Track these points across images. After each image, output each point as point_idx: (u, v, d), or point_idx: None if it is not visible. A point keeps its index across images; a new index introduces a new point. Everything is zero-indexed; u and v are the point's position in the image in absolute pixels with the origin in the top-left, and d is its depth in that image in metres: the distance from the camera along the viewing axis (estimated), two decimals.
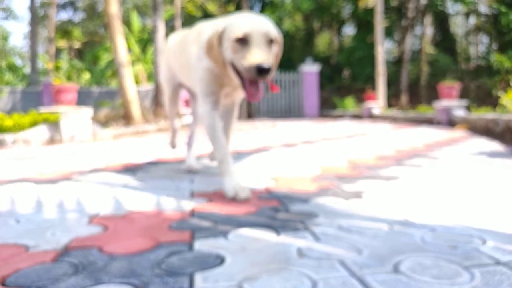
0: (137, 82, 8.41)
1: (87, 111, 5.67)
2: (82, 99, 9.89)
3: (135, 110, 8.25)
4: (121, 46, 7.75)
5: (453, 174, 2.27)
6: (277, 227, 1.34)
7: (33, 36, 14.74)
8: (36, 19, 15.47)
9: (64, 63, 14.50)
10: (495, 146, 3.84)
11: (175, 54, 2.33)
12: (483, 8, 16.52)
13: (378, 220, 1.39)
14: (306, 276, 0.94)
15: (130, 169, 2.72)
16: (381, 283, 0.90)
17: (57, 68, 13.25)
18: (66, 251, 1.15)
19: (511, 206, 1.53)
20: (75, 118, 5.42)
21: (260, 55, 1.57)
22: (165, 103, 2.79)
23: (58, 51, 19.35)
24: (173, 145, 2.73)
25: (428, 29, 18.11)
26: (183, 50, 2.15)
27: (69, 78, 13.19)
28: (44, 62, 17.16)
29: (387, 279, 0.92)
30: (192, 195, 1.87)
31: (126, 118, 8.45)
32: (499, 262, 1.00)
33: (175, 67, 2.37)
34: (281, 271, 0.98)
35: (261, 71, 1.54)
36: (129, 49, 12.92)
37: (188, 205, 1.68)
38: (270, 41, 1.65)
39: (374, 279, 0.92)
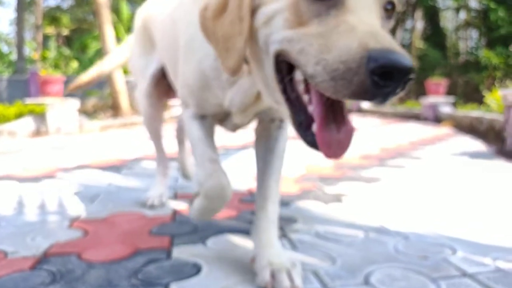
0: (126, 72, 8.33)
1: (74, 103, 5.62)
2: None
3: (123, 101, 8.20)
4: (110, 36, 7.66)
5: (433, 177, 2.32)
6: None
7: (19, 22, 14.47)
8: (23, 4, 15.18)
9: (51, 51, 14.28)
10: (478, 145, 3.91)
11: (162, 24, 1.32)
12: (474, 3, 16.62)
13: (355, 227, 1.42)
14: None
15: (115, 166, 2.72)
16: None
17: (44, 58, 13.06)
18: (45, 257, 1.17)
19: (484, 214, 1.58)
20: (62, 109, 5.37)
21: (382, 33, 0.66)
22: (140, 111, 1.70)
23: (46, 38, 19.02)
24: (163, 174, 1.81)
25: (418, 23, 18.18)
26: (173, 22, 1.17)
27: (56, 66, 13.02)
28: (31, 49, 16.87)
29: None
30: (175, 196, 1.89)
31: (114, 108, 8.39)
32: (466, 273, 1.04)
33: (161, 46, 1.38)
34: (255, 283, 1.00)
35: (390, 74, 0.62)
36: (118, 38, 12.76)
37: (170, 207, 1.69)
38: (389, 4, 0.75)
39: None
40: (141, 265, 1.11)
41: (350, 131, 0.75)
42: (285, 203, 1.74)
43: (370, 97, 0.63)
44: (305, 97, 0.75)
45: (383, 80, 0.61)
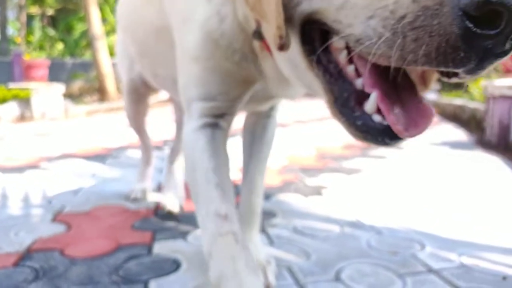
0: (112, 54, 8.22)
1: (59, 88, 5.56)
2: (55, 71, 9.63)
3: (110, 84, 8.11)
4: (96, 18, 7.53)
5: (412, 169, 2.38)
6: None
7: (2, 1, 14.08)
8: None
9: (36, 31, 13.97)
10: (460, 135, 3.99)
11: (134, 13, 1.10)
12: None
13: (332, 221, 1.48)
14: None
15: (100, 156, 2.74)
16: None
17: (28, 42, 12.80)
18: (28, 253, 1.20)
19: (456, 207, 1.65)
20: (47, 94, 5.31)
21: None
22: (125, 109, 1.63)
23: (30, 18, 18.57)
24: (142, 177, 1.79)
25: None
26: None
27: (41, 48, 12.76)
28: (14, 29, 16.47)
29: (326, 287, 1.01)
30: (159, 188, 1.92)
31: (100, 92, 8.30)
32: (431, 269, 1.10)
33: (132, 41, 1.18)
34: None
35: (494, 15, 0.40)
36: (105, 19, 12.53)
37: (154, 200, 1.72)
38: None
39: None
40: (122, 261, 1.14)
41: (427, 111, 0.54)
42: (266, 196, 1.78)
43: (458, 60, 0.41)
44: (350, 68, 0.56)
45: (481, 26, 0.39)
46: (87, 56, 14.28)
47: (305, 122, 5.21)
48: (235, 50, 0.74)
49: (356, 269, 1.10)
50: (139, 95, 1.53)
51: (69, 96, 7.87)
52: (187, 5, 0.78)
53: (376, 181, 2.08)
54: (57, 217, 1.51)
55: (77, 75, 11.52)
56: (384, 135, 0.54)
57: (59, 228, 1.40)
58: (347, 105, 0.57)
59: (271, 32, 0.59)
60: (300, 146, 3.19)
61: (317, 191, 1.88)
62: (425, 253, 1.21)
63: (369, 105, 0.54)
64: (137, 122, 1.67)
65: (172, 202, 1.56)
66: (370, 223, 1.45)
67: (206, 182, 0.75)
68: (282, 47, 0.58)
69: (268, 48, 0.70)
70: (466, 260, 1.15)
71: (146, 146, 1.80)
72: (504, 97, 3.28)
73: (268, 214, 1.55)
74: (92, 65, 9.38)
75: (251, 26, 0.71)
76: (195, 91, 0.79)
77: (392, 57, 0.45)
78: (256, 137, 1.10)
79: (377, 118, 0.54)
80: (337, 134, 3.86)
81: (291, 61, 0.64)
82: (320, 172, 2.27)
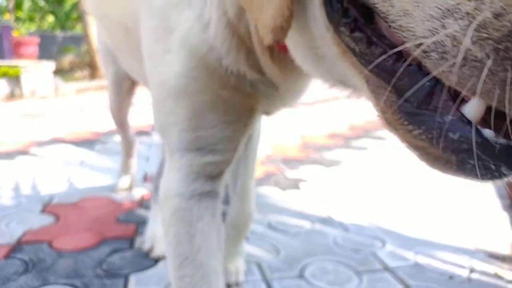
0: None
1: (49, 65, 5.55)
2: (46, 44, 9.51)
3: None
4: None
5: (390, 162, 2.49)
6: None
7: None
8: None
9: (25, 2, 13.68)
10: None
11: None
12: None
13: (304, 217, 1.58)
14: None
15: (89, 141, 2.81)
16: (283, 287, 1.10)
17: (17, 18, 12.55)
18: (18, 245, 1.29)
19: (422, 205, 1.76)
20: (36, 72, 5.30)
21: None
22: (109, 102, 1.58)
23: None
24: (124, 170, 1.80)
25: None
26: None
27: (31, 19, 12.53)
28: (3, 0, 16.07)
29: (290, 284, 1.12)
30: (145, 178, 2.01)
31: (91, 67, 8.26)
32: (387, 267, 1.22)
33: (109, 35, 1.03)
34: None
35: None
36: None
37: (139, 191, 1.81)
38: None
39: (280, 284, 1.11)
40: (106, 255, 1.24)
41: None
42: None
43: None
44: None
45: None
46: (78, 29, 14.05)
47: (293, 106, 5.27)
48: (227, 67, 0.54)
49: (319, 266, 1.21)
50: (124, 87, 1.44)
51: (60, 70, 7.84)
52: (162, 11, 0.57)
53: (353, 175, 2.18)
54: (46, 208, 1.59)
55: (68, 48, 11.39)
56: (501, 160, 0.31)
57: (48, 220, 1.49)
58: (424, 105, 0.33)
59: (267, 15, 0.40)
60: (286, 133, 3.28)
61: (295, 184, 1.98)
62: (385, 251, 1.32)
63: (471, 108, 0.32)
64: (121, 116, 1.62)
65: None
66: (340, 220, 1.56)
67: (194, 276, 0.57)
68: (280, 35, 0.40)
69: (281, 47, 0.51)
70: (421, 259, 1.27)
71: (127, 139, 1.77)
72: None
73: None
74: (83, 38, 9.26)
75: (247, 23, 0.52)
76: (181, 138, 0.57)
77: (487, 95, 0.27)
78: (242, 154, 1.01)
79: (487, 131, 0.31)
80: (323, 122, 3.96)
81: (313, 50, 0.45)
82: (301, 163, 2.37)
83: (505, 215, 1.63)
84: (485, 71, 0.27)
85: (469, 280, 1.16)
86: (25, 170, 2.09)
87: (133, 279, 1.11)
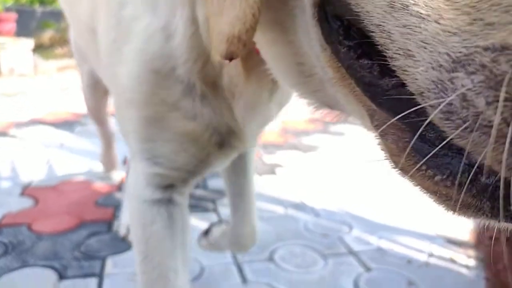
0: None
1: (28, 42, 5.43)
2: (24, 20, 9.24)
3: None
4: None
5: (366, 148, 2.57)
6: (191, 206, 1.56)
7: None
8: None
9: None
10: None
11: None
12: None
13: (278, 202, 1.65)
14: (198, 262, 1.19)
15: (68, 122, 2.81)
16: (253, 271, 1.17)
17: None
18: None
19: (391, 192, 1.85)
20: (15, 49, 5.20)
21: None
22: (85, 100, 1.57)
23: None
24: (107, 163, 1.80)
25: None
26: None
27: None
28: None
29: (260, 267, 1.19)
30: (125, 161, 2.04)
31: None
32: (351, 251, 1.30)
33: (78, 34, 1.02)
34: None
35: None
36: None
37: (118, 174, 1.85)
38: None
39: (250, 267, 1.18)
40: (84, 238, 1.29)
41: None
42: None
43: None
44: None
45: None
46: (58, 4, 13.64)
47: None
48: (178, 76, 0.52)
49: (289, 250, 1.29)
50: (99, 89, 1.39)
51: (39, 47, 7.65)
52: (120, 15, 0.54)
53: (328, 160, 2.26)
54: (25, 191, 1.62)
55: (48, 24, 11.09)
56: None
57: (27, 203, 1.52)
58: (446, 146, 0.27)
59: (225, 20, 0.35)
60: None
61: (272, 170, 2.05)
62: (351, 236, 1.40)
63: None
64: (98, 114, 1.57)
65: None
66: (312, 205, 1.64)
67: (165, 286, 0.61)
68: (236, 48, 0.35)
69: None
70: (384, 244, 1.35)
71: (107, 133, 1.70)
72: None
73: (222, 193, 1.71)
74: (63, 14, 9.03)
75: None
76: (136, 146, 0.59)
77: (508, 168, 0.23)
78: (240, 172, 0.96)
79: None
80: (304, 105, 4.01)
81: (299, 66, 0.40)
82: (279, 148, 2.44)
83: None
84: (507, 143, 0.21)
85: (427, 264, 1.25)
86: (4, 152, 2.10)
87: (110, 262, 1.17)
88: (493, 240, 1.35)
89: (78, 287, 1.06)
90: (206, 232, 1.08)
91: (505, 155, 0.22)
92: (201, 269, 1.16)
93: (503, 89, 0.21)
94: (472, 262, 1.28)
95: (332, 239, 1.37)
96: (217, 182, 1.83)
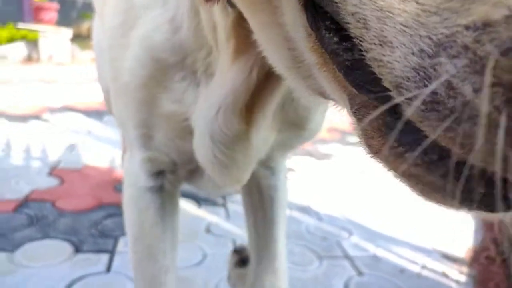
0: None
1: (67, 32, 5.69)
2: (65, 10, 9.64)
3: None
4: None
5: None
6: (201, 200, 1.66)
7: None
8: None
9: None
10: None
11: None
12: None
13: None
14: (201, 250, 1.29)
15: (98, 111, 2.97)
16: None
17: None
18: (26, 202, 1.46)
19: (395, 202, 1.90)
20: (54, 38, 5.46)
21: None
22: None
23: None
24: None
25: None
26: None
27: None
28: None
29: None
30: None
31: None
32: (347, 256, 1.36)
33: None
34: (185, 243, 1.31)
35: None
36: None
37: None
38: None
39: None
40: (101, 218, 1.41)
41: None
42: None
43: None
44: None
45: None
46: None
47: None
48: (185, 66, 0.53)
49: (288, 248, 1.35)
50: None
51: (78, 37, 7.98)
52: (132, 2, 0.55)
53: (340, 169, 2.32)
54: (52, 171, 1.76)
55: (87, 15, 11.51)
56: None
57: (53, 182, 1.66)
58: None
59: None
60: None
61: None
62: (349, 241, 1.47)
63: None
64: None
65: None
66: (316, 209, 1.71)
67: (153, 265, 0.67)
68: None
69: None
70: (380, 252, 1.41)
71: None
72: None
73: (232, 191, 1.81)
74: None
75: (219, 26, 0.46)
76: (132, 131, 0.59)
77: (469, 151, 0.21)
78: (265, 206, 0.80)
79: None
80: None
81: (291, 51, 0.38)
82: (293, 154, 2.51)
83: (470, 221, 1.76)
84: (501, 134, 0.19)
85: (418, 275, 1.31)
86: (37, 134, 2.26)
87: (122, 241, 1.28)
88: (488, 260, 1.39)
89: (91, 260, 1.17)
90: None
91: (500, 147, 0.19)
92: (204, 256, 1.25)
93: (488, 72, 0.19)
94: (463, 278, 1.33)
95: (331, 242, 1.44)
96: None
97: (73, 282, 1.08)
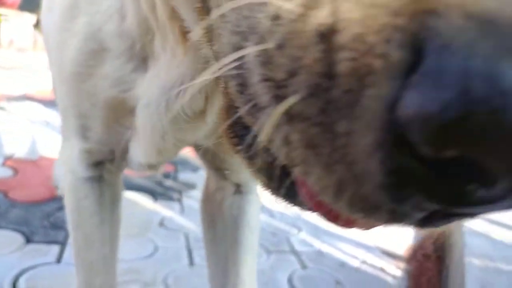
0: None
1: (30, 18, 5.51)
2: None
3: None
4: None
5: None
6: (158, 194, 1.70)
7: None
8: None
9: None
10: None
11: None
12: None
13: None
14: (153, 243, 1.33)
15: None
16: (201, 256, 1.30)
17: None
18: None
19: None
20: (16, 23, 5.28)
21: None
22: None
23: None
24: None
25: None
26: None
27: None
28: None
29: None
30: None
31: None
32: (293, 250, 1.44)
33: None
34: (138, 237, 1.35)
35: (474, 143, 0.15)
36: None
37: None
38: None
39: (197, 253, 1.32)
40: (54, 210, 1.42)
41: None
42: (195, 168, 2.07)
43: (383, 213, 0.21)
44: None
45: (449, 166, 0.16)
46: None
47: None
48: (133, 52, 0.51)
49: None
50: None
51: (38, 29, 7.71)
52: None
53: None
54: (6, 162, 1.75)
55: None
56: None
57: (7, 172, 1.64)
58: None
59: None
60: None
61: None
62: (298, 237, 1.55)
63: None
64: None
65: None
66: (269, 207, 1.78)
67: (92, 253, 0.69)
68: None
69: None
70: (324, 247, 1.50)
71: None
72: None
73: (189, 185, 1.85)
74: None
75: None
76: (72, 121, 0.59)
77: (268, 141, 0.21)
78: (229, 224, 0.71)
79: None
80: None
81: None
82: None
83: None
84: (269, 121, 0.19)
85: (357, 269, 1.40)
86: None
87: None
88: (424, 257, 1.51)
89: (42, 251, 1.19)
90: None
91: (265, 132, 0.20)
92: (155, 248, 1.30)
93: (258, 70, 0.20)
94: (399, 273, 1.43)
95: (280, 238, 1.52)
96: (188, 176, 1.97)
97: (23, 271, 1.10)
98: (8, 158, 1.79)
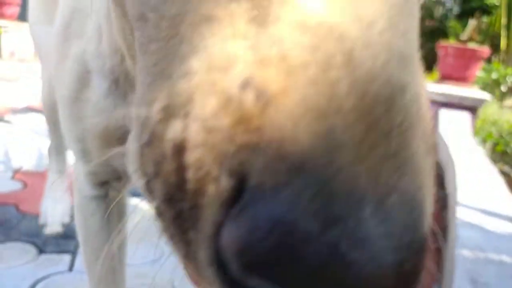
0: None
1: None
2: (27, 5, 9.33)
3: None
4: None
5: None
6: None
7: None
8: None
9: None
10: None
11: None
12: None
13: None
14: (160, 248, 1.39)
15: None
16: None
17: None
18: None
19: None
20: (17, 34, 5.35)
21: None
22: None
23: None
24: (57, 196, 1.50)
25: None
26: None
27: None
28: None
29: None
30: None
31: None
32: None
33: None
34: (145, 241, 1.41)
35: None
36: None
37: None
38: None
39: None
40: None
41: None
42: None
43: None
44: None
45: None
46: None
47: None
48: (112, 78, 0.51)
49: None
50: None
51: None
52: (72, 11, 0.54)
53: None
54: (15, 175, 1.81)
55: None
56: None
57: (16, 186, 1.71)
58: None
59: None
60: None
61: None
62: None
63: None
64: (54, 118, 1.30)
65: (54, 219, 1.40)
66: None
67: (98, 265, 0.71)
68: None
69: None
70: None
71: (58, 144, 1.49)
72: None
73: None
74: None
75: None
76: (72, 145, 0.60)
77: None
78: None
79: None
80: None
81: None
82: None
83: None
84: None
85: None
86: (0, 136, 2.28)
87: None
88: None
89: (54, 261, 1.26)
90: None
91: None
92: (162, 253, 1.36)
93: (136, 161, 0.23)
94: None
95: None
96: None
97: (37, 281, 1.16)
98: (17, 171, 1.85)
